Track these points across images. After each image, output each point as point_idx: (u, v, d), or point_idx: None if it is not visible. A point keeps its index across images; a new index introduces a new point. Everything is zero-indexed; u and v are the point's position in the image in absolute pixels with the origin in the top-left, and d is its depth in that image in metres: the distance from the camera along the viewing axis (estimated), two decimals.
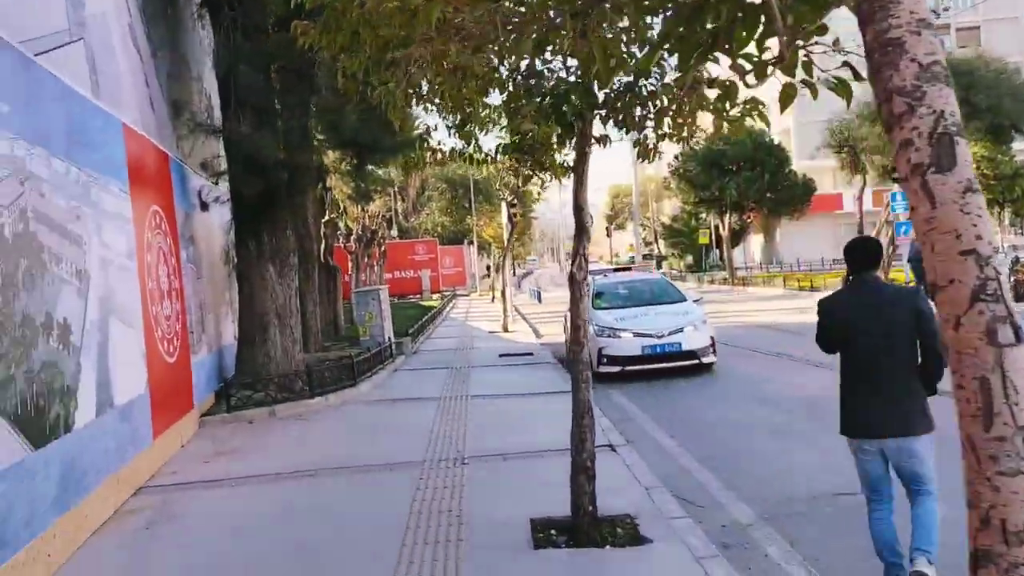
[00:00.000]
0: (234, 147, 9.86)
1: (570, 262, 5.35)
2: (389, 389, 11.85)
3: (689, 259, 67.40)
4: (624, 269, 15.18)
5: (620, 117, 4.66)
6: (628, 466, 6.71)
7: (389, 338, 14.86)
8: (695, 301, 13.18)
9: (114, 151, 7.11)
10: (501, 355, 15.49)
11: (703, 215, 62.54)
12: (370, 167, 29.42)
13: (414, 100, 4.82)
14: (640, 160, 5.32)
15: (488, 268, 61.80)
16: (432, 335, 21.17)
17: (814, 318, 4.41)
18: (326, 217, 22.56)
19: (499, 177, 20.72)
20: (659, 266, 79.70)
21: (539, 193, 20.29)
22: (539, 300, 36.30)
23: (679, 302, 13.09)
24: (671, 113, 4.54)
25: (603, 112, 4.63)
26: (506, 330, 20.77)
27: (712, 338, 12.29)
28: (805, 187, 40.25)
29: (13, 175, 4.83)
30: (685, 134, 4.74)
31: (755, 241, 66.18)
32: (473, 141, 5.44)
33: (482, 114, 5.23)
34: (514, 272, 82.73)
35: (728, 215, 40.50)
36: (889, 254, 27.96)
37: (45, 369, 5.01)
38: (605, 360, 12.04)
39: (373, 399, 10.93)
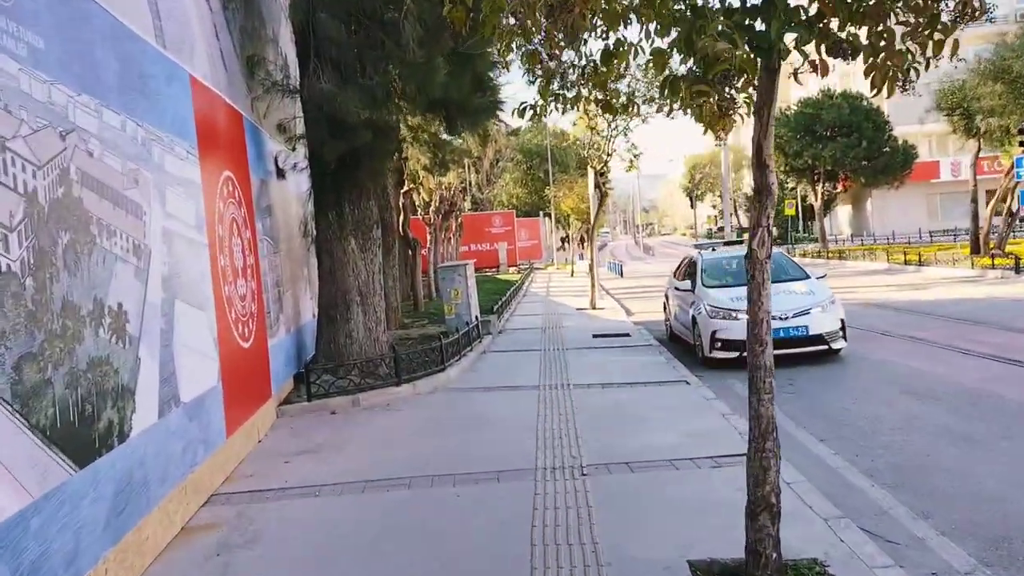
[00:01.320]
0: (313, 106, 8.87)
1: (749, 237, 4.12)
2: (481, 374, 10.83)
3: (774, 230, 64.49)
4: (735, 242, 13.76)
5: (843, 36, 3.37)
6: (789, 485, 5.48)
7: (476, 316, 13.85)
8: (819, 278, 11.71)
9: (181, 107, 6.17)
10: (595, 335, 14.32)
11: (789, 184, 59.80)
12: (447, 138, 28.53)
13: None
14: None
15: (563, 240, 60.48)
16: (516, 312, 20.13)
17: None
18: (405, 188, 21.69)
19: (589, 144, 19.41)
20: (740, 238, 77.03)
21: (633, 159, 18.86)
22: (620, 274, 34.92)
23: (802, 279, 11.63)
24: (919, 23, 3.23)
25: (813, 26, 3.34)
26: (594, 307, 19.56)
27: (842, 320, 10.84)
28: (905, 154, 37.53)
29: (51, 127, 3.87)
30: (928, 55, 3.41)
31: (841, 212, 62.80)
32: (616, 75, 4.22)
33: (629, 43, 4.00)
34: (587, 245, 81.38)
35: (822, 184, 38.12)
36: (1008, 223, 25.57)
37: (93, 368, 4.08)
38: (719, 344, 10.73)
39: (465, 386, 9.92)
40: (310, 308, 11.26)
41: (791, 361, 10.57)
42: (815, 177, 37.86)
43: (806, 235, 58.78)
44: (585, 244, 60.28)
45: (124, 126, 4.88)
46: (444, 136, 27.10)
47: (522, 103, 4.97)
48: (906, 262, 26.56)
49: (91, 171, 4.30)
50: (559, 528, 4.87)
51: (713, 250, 13.05)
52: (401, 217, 21.29)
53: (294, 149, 10.29)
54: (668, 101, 4.07)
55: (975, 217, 27.17)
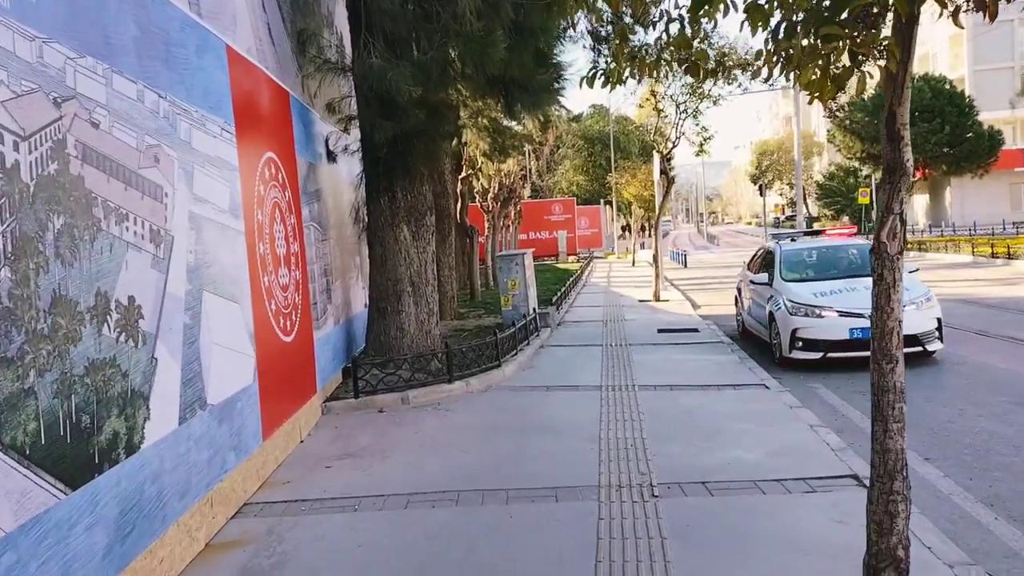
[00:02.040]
0: (365, 83, 8.28)
1: (876, 225, 3.35)
2: (538, 371, 10.17)
3: (845, 219, 62.14)
4: (814, 232, 12.73)
5: None
6: None
7: (533, 308, 13.18)
8: (911, 271, 10.67)
9: (215, 79, 5.62)
10: (660, 330, 13.51)
11: (862, 172, 57.31)
12: (507, 123, 27.86)
13: None
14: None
15: (624, 229, 59.26)
16: (575, 303, 19.39)
17: None
18: (463, 173, 21.12)
19: (655, 127, 18.51)
20: (810, 227, 74.42)
21: (704, 143, 17.88)
22: (684, 264, 33.81)
23: None
24: None
25: None
26: (658, 299, 18.69)
27: (939, 320, 9.83)
28: (991, 140, 35.32)
29: (40, 91, 3.32)
30: None
31: (918, 202, 60.00)
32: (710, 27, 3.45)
33: None
34: (649, 234, 79.66)
35: None
36: None
37: (94, 371, 3.55)
38: (800, 344, 9.83)
39: (521, 385, 9.26)
40: (361, 298, 10.75)
41: None
42: None
43: None
44: (647, 232, 59.05)
45: (142, 97, 4.34)
46: (504, 121, 26.64)
47: (592, 69, 4.25)
48: (993, 255, 24.88)
49: (96, 145, 3.76)
50: (629, 565, 4.17)
51: (792, 240, 12.08)
52: (458, 204, 20.75)
53: (346, 131, 9.75)
54: (773, 59, 3.29)
55: None
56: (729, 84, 17.86)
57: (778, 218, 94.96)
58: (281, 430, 6.56)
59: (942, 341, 9.86)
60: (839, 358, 9.66)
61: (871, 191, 51.54)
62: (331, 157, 9.65)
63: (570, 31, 11.43)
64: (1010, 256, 23.75)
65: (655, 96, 17.99)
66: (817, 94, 3.58)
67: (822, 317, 9.72)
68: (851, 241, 11.77)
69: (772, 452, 6.13)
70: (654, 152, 20.59)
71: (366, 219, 9.91)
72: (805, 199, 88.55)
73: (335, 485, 5.85)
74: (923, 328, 9.60)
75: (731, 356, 10.72)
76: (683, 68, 3.97)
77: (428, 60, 8.06)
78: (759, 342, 11.72)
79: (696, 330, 13.43)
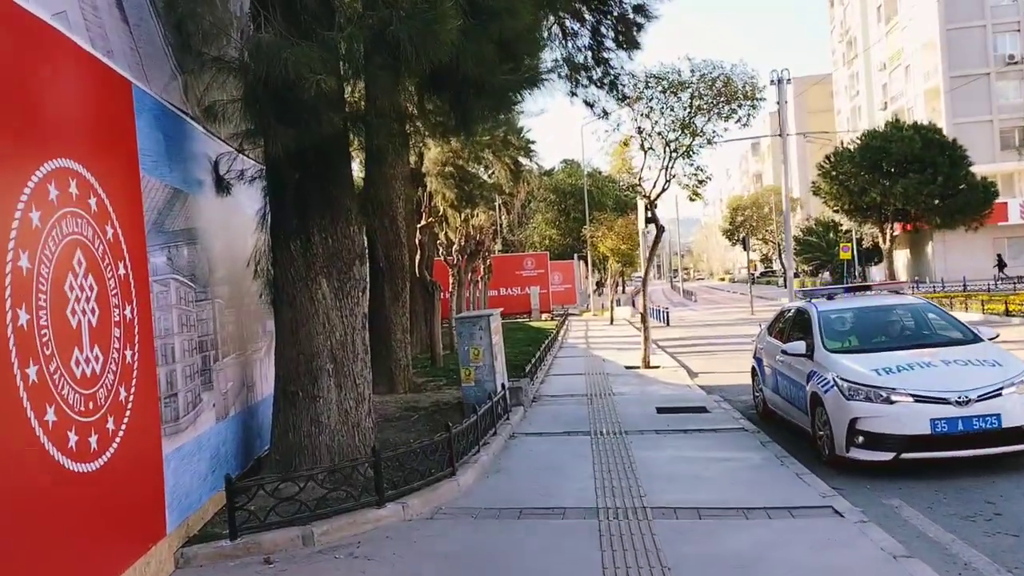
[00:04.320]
0: (253, 72, 5.70)
1: None
2: (507, 480, 7.43)
3: (826, 276, 60.44)
4: (861, 288, 10.20)
5: None
6: None
7: (502, 384, 10.48)
8: (992, 339, 8.21)
9: None
10: (660, 409, 10.87)
11: (843, 227, 55.82)
12: (474, 169, 25.54)
13: None
14: None
15: (598, 285, 56.97)
16: (552, 370, 16.71)
17: None
18: (423, 222, 18.60)
19: (639, 173, 16.16)
20: (787, 284, 72.69)
21: (698, 186, 15.53)
22: (667, 323, 31.33)
23: (970, 342, 8.13)
24: None
25: None
26: (648, 365, 16.07)
27: None
28: (985, 191, 33.69)
29: None
30: None
31: (897, 257, 58.51)
32: None
33: None
34: (623, 290, 77.28)
35: (890, 224, 34.31)
36: None
37: None
38: (861, 440, 7.23)
39: (483, 505, 6.51)
40: (270, 378, 8.02)
41: (976, 467, 7.07)
42: (883, 216, 34.06)
43: (861, 280, 54.62)
44: (618, 287, 56.69)
45: None
46: (471, 168, 24.28)
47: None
48: (1007, 313, 22.72)
49: None
50: None
51: (830, 298, 9.57)
52: (419, 255, 18.18)
53: (242, 150, 7.14)
54: None
55: None
56: (725, 121, 15.72)
57: (752, 274, 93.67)
58: None
59: None
60: (915, 459, 7.08)
61: (852, 246, 50.09)
62: (222, 186, 7.02)
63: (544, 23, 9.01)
64: (1007, 314, 21.63)
65: (641, 133, 15.69)
66: None
67: (892, 403, 7.14)
68: (906, 301, 9.29)
69: None
70: (638, 199, 18.24)
71: (270, 271, 7.24)
72: (780, 254, 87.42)
73: None
74: None
75: (762, 451, 8.09)
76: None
77: (344, 38, 5.52)
78: (789, 425, 9.14)
79: (704, 409, 10.80)
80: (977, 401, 6.97)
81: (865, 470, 7.24)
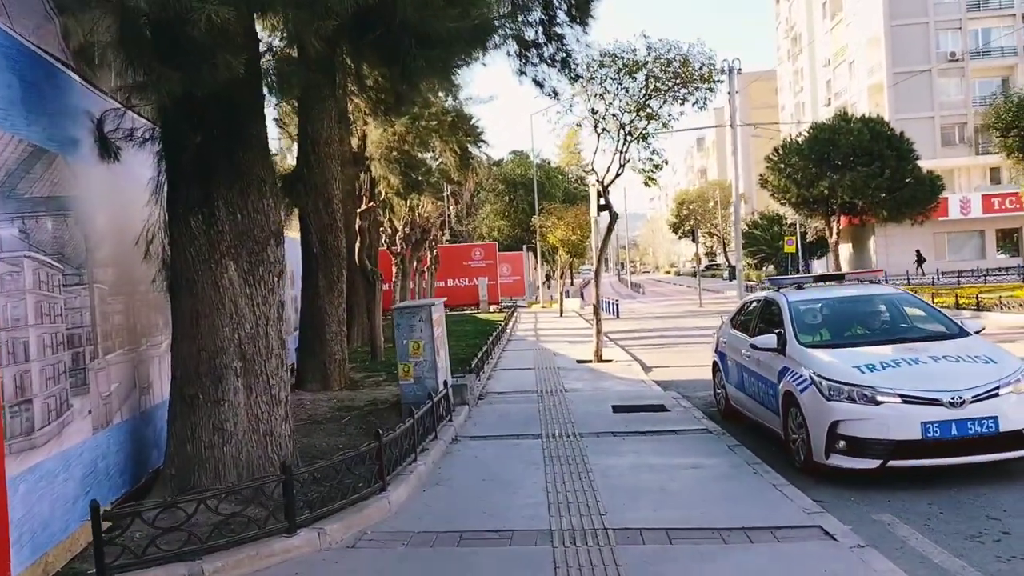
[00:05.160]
0: (134, 10, 4.59)
1: None
2: (447, 495, 6.45)
3: (770, 269, 60.70)
4: (833, 278, 9.45)
5: None
6: None
7: (444, 381, 9.50)
8: (977, 331, 7.53)
9: None
10: (616, 408, 10.02)
11: (787, 220, 56.03)
12: (422, 156, 24.40)
13: None
14: None
15: (547, 277, 56.23)
16: (500, 364, 15.78)
17: None
18: (363, 207, 17.45)
19: (592, 158, 15.30)
20: (732, 277, 72.94)
21: (653, 170, 14.75)
22: (616, 315, 30.68)
23: (956, 336, 7.44)
24: None
25: None
26: (600, 359, 15.26)
27: None
28: (932, 186, 33.83)
29: None
30: None
31: (842, 251, 59.07)
32: None
33: None
34: (571, 282, 76.74)
35: (837, 218, 34.21)
36: None
37: None
38: (843, 445, 6.47)
39: (416, 528, 5.52)
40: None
41: (968, 475, 6.36)
42: (829, 210, 33.94)
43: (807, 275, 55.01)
44: (566, 279, 55.93)
45: None
46: (418, 154, 23.15)
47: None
48: (958, 306, 22.55)
49: None
50: None
51: (799, 288, 8.81)
52: (359, 242, 17.03)
53: (130, 105, 6.00)
54: None
55: None
56: (681, 105, 14.98)
57: (697, 267, 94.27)
58: None
59: None
60: (904, 468, 6.34)
61: (797, 239, 50.24)
62: (108, 149, 5.88)
63: None
64: (979, 308, 21.47)
65: (595, 115, 14.83)
66: None
67: (878, 404, 6.39)
68: (882, 291, 8.57)
69: None
70: (590, 187, 17.40)
71: (166, 252, 6.13)
72: (725, 248, 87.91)
73: None
74: None
75: (731, 457, 7.28)
76: None
77: None
78: (757, 426, 8.40)
79: (663, 407, 9.99)
80: (972, 402, 6.25)
81: (846, 478, 6.49)
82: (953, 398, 6.25)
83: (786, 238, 50.83)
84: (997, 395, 6.31)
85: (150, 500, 5.31)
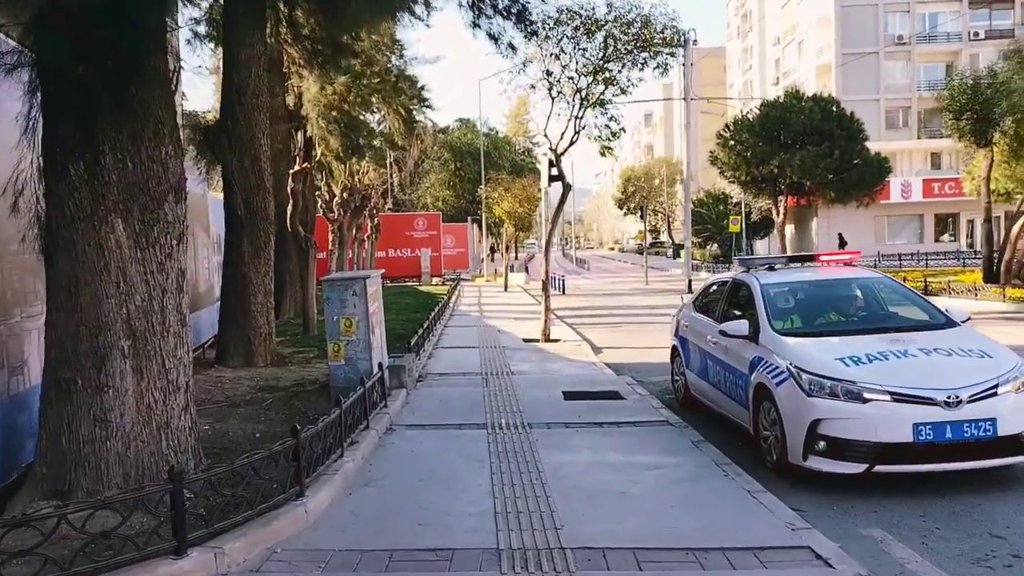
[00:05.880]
0: None
1: None
2: (376, 499, 5.54)
3: (714, 248, 60.90)
4: (804, 259, 8.74)
5: None
6: None
7: (379, 364, 8.55)
8: (964, 321, 6.93)
9: None
10: (567, 395, 9.25)
11: (733, 199, 56.10)
12: (364, 117, 23.14)
13: None
14: None
15: (492, 250, 55.24)
16: (442, 341, 14.88)
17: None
18: (296, 167, 16.24)
19: (546, 123, 14.37)
20: (676, 255, 73.10)
21: (610, 138, 13.93)
22: (563, 291, 30.03)
23: (944, 326, 6.82)
24: None
25: None
26: (548, 338, 14.49)
27: None
28: (879, 167, 33.88)
29: None
30: None
31: (786, 233, 59.47)
32: None
33: None
34: (516, 256, 75.78)
35: (785, 197, 34.01)
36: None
37: None
38: (824, 446, 5.79)
39: (337, 545, 4.62)
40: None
41: (958, 481, 5.76)
42: (777, 189, 33.73)
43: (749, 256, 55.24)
44: (511, 253, 54.93)
45: None
46: (359, 115, 21.87)
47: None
48: (927, 292, 22.47)
49: None
50: None
51: (771, 269, 8.11)
52: (291, 206, 15.84)
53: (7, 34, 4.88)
54: None
55: (989, 239, 23.29)
56: (640, 70, 14.16)
57: (640, 244, 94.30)
58: None
59: None
60: (890, 473, 5.70)
61: (742, 218, 50.27)
62: None
63: None
64: (927, 292, 21.34)
65: (550, 77, 13.90)
66: None
67: (866, 402, 5.72)
68: (862, 275, 7.92)
69: None
70: (544, 155, 16.49)
71: (40, 205, 5.04)
72: (670, 226, 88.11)
73: None
74: None
75: (697, 455, 6.56)
76: None
77: None
78: (720, 418, 7.72)
79: (617, 394, 9.26)
80: (969, 402, 5.62)
81: (824, 482, 5.82)
82: (949, 397, 5.61)
83: (731, 217, 50.78)
84: (995, 395, 5.70)
85: (18, 502, 4.30)
